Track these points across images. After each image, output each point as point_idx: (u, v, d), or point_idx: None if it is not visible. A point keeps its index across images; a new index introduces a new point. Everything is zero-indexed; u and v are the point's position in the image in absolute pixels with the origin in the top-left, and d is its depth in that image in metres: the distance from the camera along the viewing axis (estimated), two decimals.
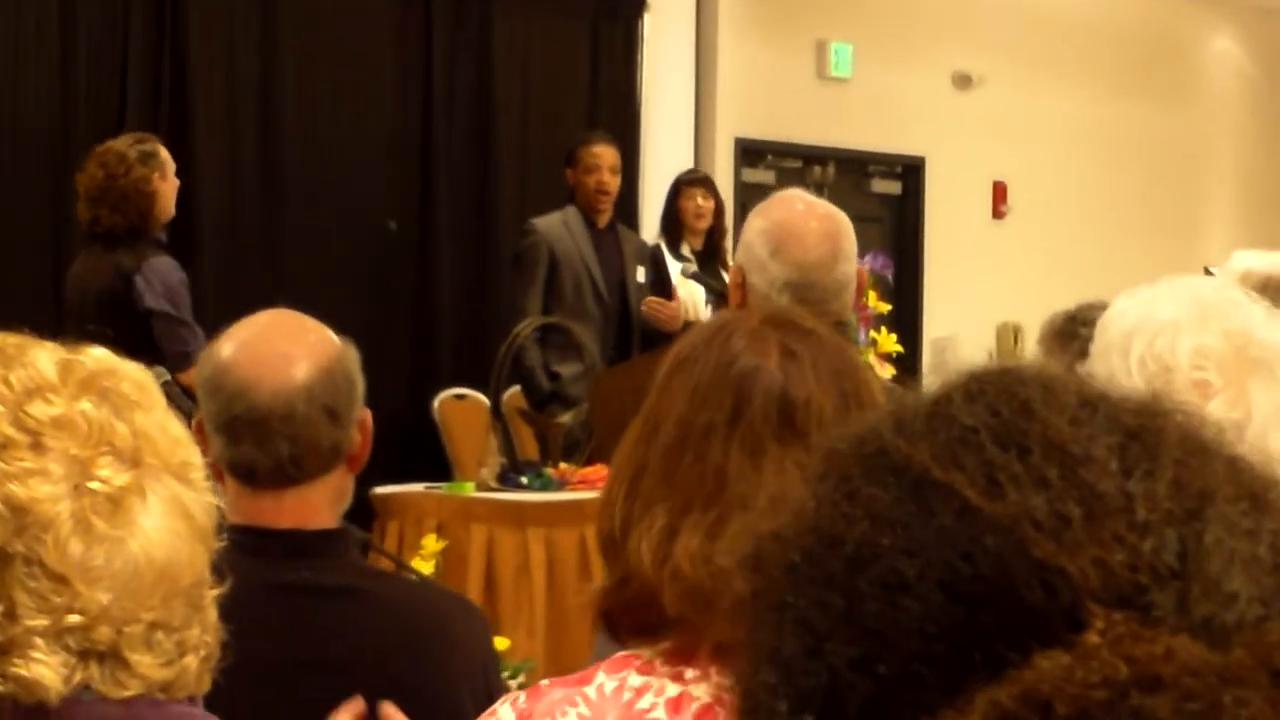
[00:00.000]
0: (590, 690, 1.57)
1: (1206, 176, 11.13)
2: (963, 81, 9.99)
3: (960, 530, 0.73)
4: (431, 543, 4.93)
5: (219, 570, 1.52)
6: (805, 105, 9.40)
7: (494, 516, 5.78)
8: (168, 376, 5.09)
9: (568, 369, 6.75)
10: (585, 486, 5.70)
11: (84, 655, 1.41)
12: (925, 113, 9.79)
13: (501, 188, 8.17)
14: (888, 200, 10.02)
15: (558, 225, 6.96)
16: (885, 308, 7.09)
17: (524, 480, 5.97)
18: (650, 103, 8.79)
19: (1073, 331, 3.26)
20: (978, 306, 9.54)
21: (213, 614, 1.50)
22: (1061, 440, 0.75)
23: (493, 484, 6.00)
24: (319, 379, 2.29)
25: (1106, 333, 2.14)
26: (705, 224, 7.39)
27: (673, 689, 1.55)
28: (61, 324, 5.16)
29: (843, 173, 9.71)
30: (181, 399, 3.28)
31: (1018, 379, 0.79)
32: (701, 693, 1.54)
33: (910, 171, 9.97)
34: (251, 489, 2.29)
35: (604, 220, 7.03)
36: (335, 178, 7.67)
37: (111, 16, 7.14)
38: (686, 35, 9.00)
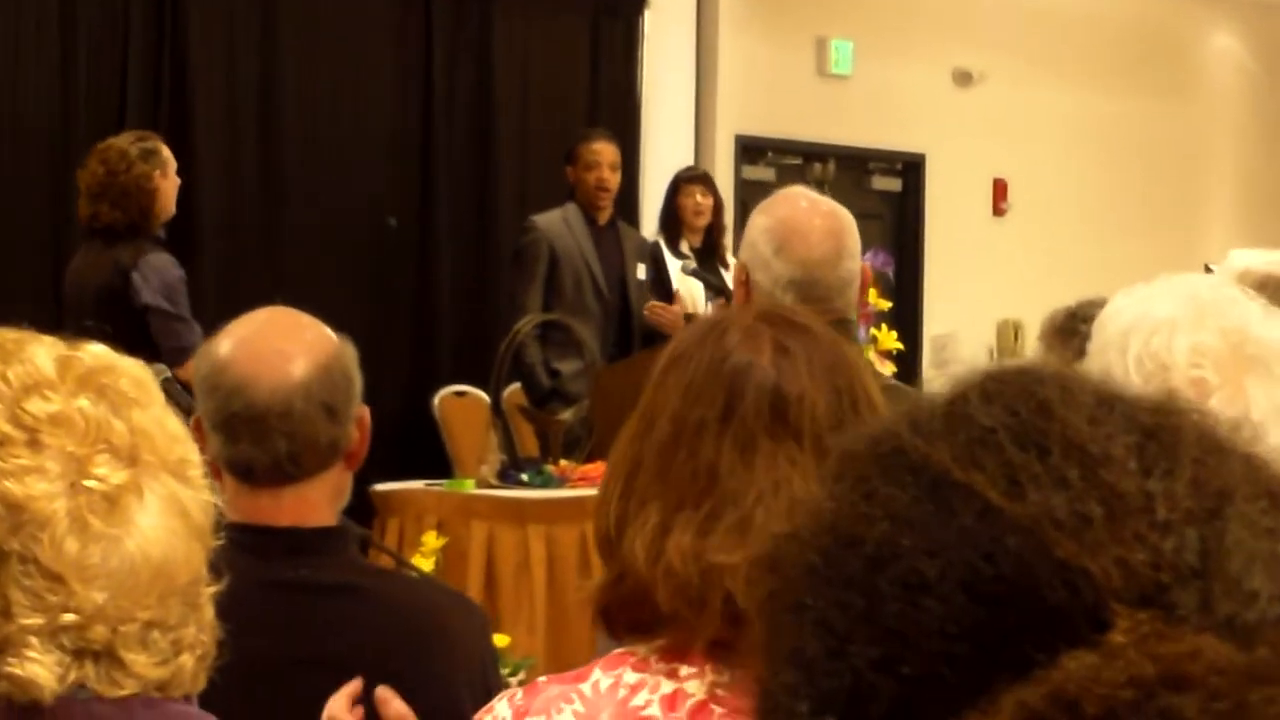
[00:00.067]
0: (586, 687, 1.57)
1: (1207, 173, 11.11)
2: (963, 78, 9.98)
3: (981, 531, 0.73)
4: (431, 540, 4.94)
5: (217, 568, 1.51)
6: (805, 102, 9.39)
7: (494, 513, 5.78)
8: (168, 374, 5.09)
9: (568, 366, 6.75)
10: (585, 483, 5.70)
11: (79, 654, 1.40)
12: (925, 110, 9.78)
13: (501, 186, 8.16)
14: (888, 197, 10.01)
15: (558, 222, 6.95)
16: (885, 305, 7.11)
17: (524, 477, 5.97)
18: (650, 100, 8.78)
19: (1073, 328, 3.27)
20: (978, 303, 9.53)
21: (209, 612, 1.50)
22: (1081, 440, 0.75)
23: (493, 481, 6.00)
24: (317, 376, 2.29)
25: (1103, 331, 2.14)
26: (704, 221, 7.38)
27: (667, 686, 1.55)
28: (61, 321, 5.16)
29: (843, 170, 9.70)
30: (181, 396, 3.27)
31: (1035, 378, 0.79)
32: (696, 689, 1.54)
33: (910, 168, 9.96)
34: (250, 486, 2.29)
35: (604, 217, 7.03)
36: (335, 178, 7.67)
37: (111, 16, 7.14)
38: (687, 32, 8.99)
